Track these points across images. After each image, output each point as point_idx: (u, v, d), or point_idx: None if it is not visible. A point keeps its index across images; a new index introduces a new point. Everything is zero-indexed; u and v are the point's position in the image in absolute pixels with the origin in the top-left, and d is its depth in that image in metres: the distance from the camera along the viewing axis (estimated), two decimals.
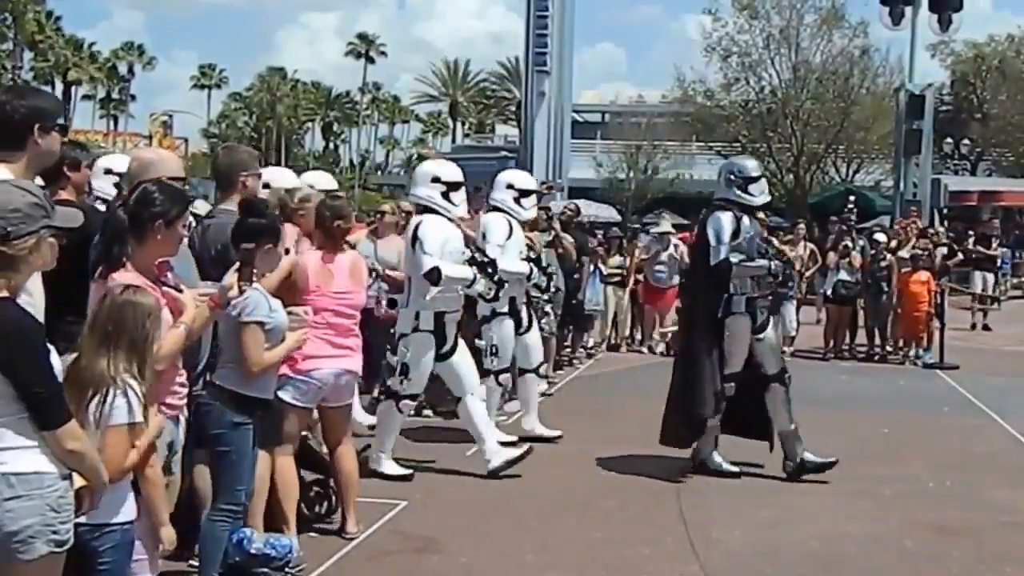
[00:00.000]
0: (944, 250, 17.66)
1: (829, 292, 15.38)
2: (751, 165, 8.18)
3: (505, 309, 8.45)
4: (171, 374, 4.35)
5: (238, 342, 5.00)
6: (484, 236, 8.40)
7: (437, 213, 7.52)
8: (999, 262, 21.45)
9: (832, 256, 15.87)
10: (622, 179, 45.90)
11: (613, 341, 15.55)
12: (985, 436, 9.39)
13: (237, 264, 4.61)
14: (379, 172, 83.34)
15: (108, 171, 7.02)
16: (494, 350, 8.47)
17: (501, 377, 8.61)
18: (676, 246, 15.20)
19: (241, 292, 4.60)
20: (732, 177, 7.86)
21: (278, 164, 33.48)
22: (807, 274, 15.61)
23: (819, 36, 39.37)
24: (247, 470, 5.07)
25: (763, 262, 7.76)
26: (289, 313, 5.27)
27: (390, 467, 7.54)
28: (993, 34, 48.29)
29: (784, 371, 7.84)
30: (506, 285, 8.00)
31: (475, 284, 7.55)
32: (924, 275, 14.92)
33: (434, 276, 7.18)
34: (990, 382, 12.43)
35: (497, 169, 11.87)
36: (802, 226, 17.09)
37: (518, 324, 8.69)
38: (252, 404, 5.06)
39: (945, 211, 27.41)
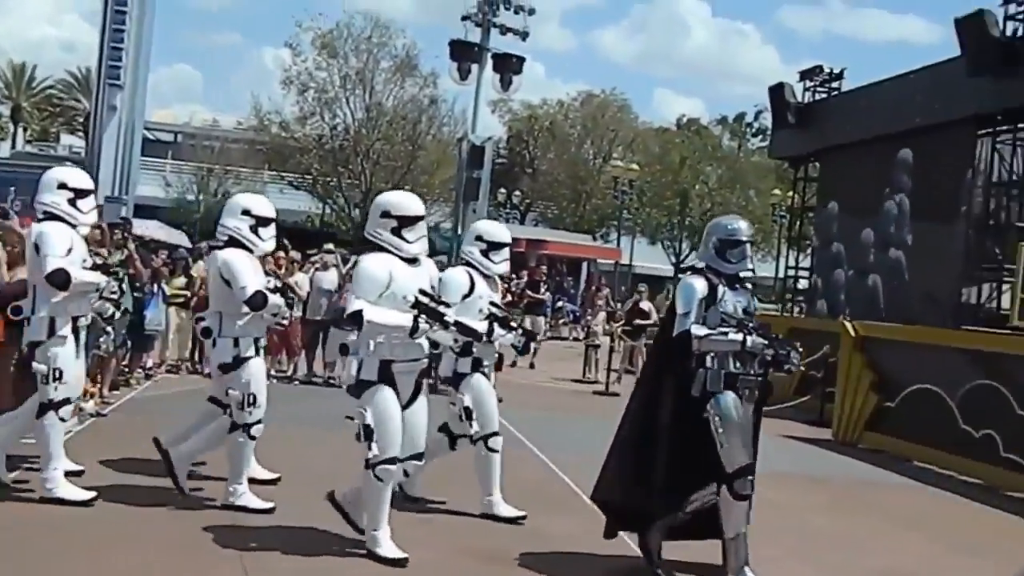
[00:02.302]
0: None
1: None
2: (733, 227, 6.77)
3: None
4: None
5: None
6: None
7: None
8: (545, 306, 22.81)
9: None
10: (191, 200, 44.63)
11: (172, 362, 15.05)
12: (527, 466, 9.68)
13: None
14: None
15: (62, 185, 7.07)
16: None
17: None
18: None
19: None
20: (710, 238, 6.74)
21: None
22: None
23: (392, 82, 40.55)
24: None
25: (736, 336, 6.38)
26: None
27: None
28: (546, 98, 51.96)
29: (747, 469, 6.34)
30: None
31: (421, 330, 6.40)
32: None
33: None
34: (529, 415, 12.99)
35: None
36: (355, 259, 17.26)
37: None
38: None
39: None
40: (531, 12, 27.04)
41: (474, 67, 26.56)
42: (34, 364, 6.96)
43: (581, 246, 43.16)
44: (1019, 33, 17.20)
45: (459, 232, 27.30)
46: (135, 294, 12.20)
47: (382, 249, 6.55)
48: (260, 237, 7.48)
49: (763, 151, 44.81)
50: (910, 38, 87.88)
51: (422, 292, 6.44)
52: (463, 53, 26.33)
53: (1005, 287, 17.21)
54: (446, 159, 38.86)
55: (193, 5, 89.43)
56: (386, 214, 6.59)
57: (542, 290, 22.11)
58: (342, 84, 40.12)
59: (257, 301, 7.18)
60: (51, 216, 7.04)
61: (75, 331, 7.12)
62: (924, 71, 19.73)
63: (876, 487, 10.92)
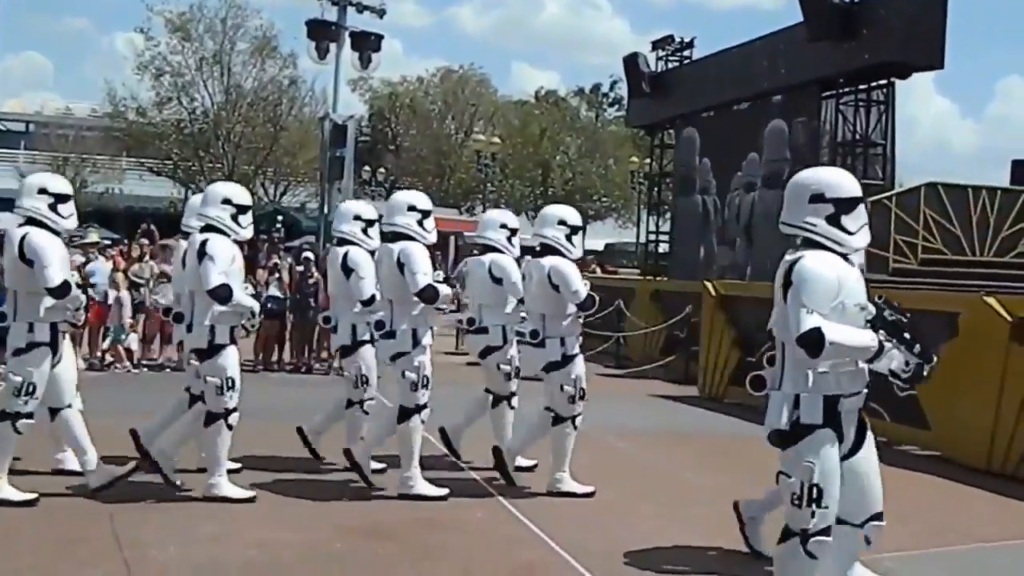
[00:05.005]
0: None
1: None
2: None
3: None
4: None
5: None
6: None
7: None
8: None
9: (262, 273, 15.95)
10: None
11: None
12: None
13: None
14: None
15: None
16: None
17: None
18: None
19: None
20: None
21: None
22: None
23: (251, 63, 39.81)
24: None
25: None
26: None
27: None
28: (405, 75, 51.66)
29: None
30: None
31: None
32: None
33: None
34: None
35: None
36: None
37: None
38: None
39: None
40: None
41: (332, 46, 26.30)
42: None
43: (448, 220, 43.03)
44: None
45: (325, 212, 27.07)
46: None
47: (814, 244, 4.82)
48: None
49: (620, 120, 45.49)
50: (756, 5, 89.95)
51: (886, 302, 4.85)
52: (321, 32, 26.04)
53: None
54: (309, 139, 38.39)
55: None
56: (817, 197, 4.81)
57: None
58: (199, 67, 39.22)
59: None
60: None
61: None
62: (768, 38, 20.25)
63: (741, 440, 11.22)
